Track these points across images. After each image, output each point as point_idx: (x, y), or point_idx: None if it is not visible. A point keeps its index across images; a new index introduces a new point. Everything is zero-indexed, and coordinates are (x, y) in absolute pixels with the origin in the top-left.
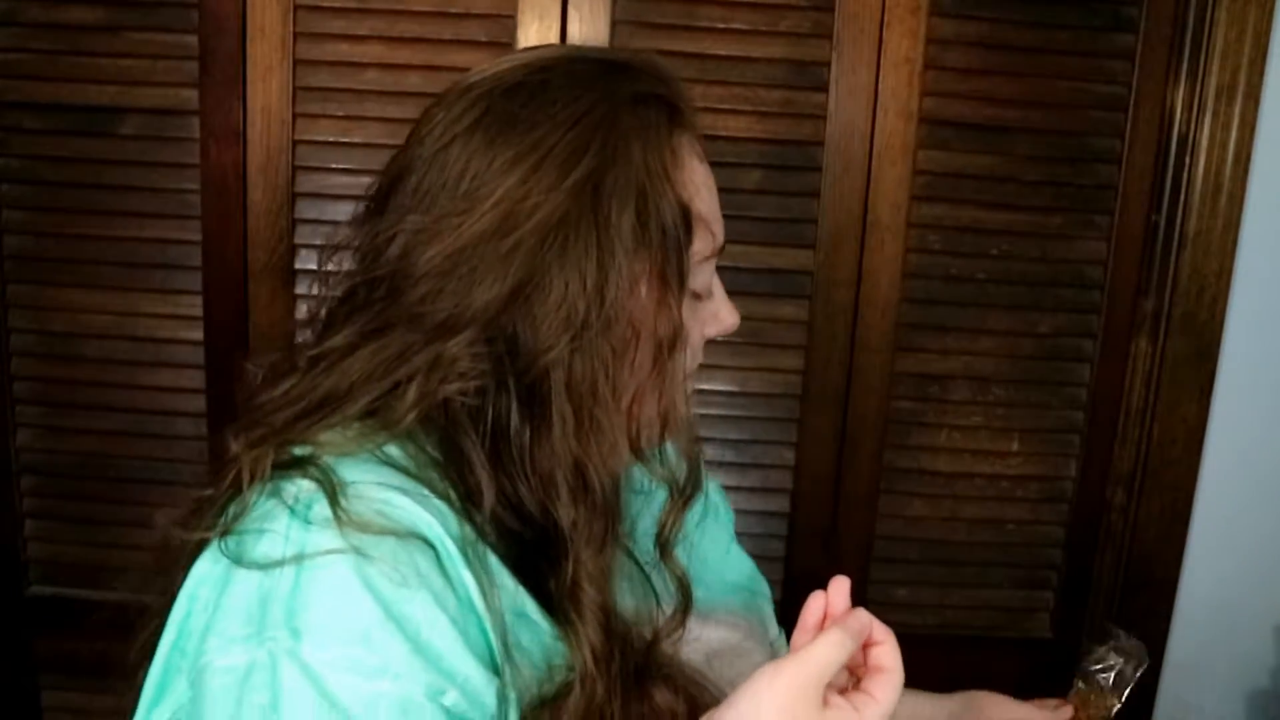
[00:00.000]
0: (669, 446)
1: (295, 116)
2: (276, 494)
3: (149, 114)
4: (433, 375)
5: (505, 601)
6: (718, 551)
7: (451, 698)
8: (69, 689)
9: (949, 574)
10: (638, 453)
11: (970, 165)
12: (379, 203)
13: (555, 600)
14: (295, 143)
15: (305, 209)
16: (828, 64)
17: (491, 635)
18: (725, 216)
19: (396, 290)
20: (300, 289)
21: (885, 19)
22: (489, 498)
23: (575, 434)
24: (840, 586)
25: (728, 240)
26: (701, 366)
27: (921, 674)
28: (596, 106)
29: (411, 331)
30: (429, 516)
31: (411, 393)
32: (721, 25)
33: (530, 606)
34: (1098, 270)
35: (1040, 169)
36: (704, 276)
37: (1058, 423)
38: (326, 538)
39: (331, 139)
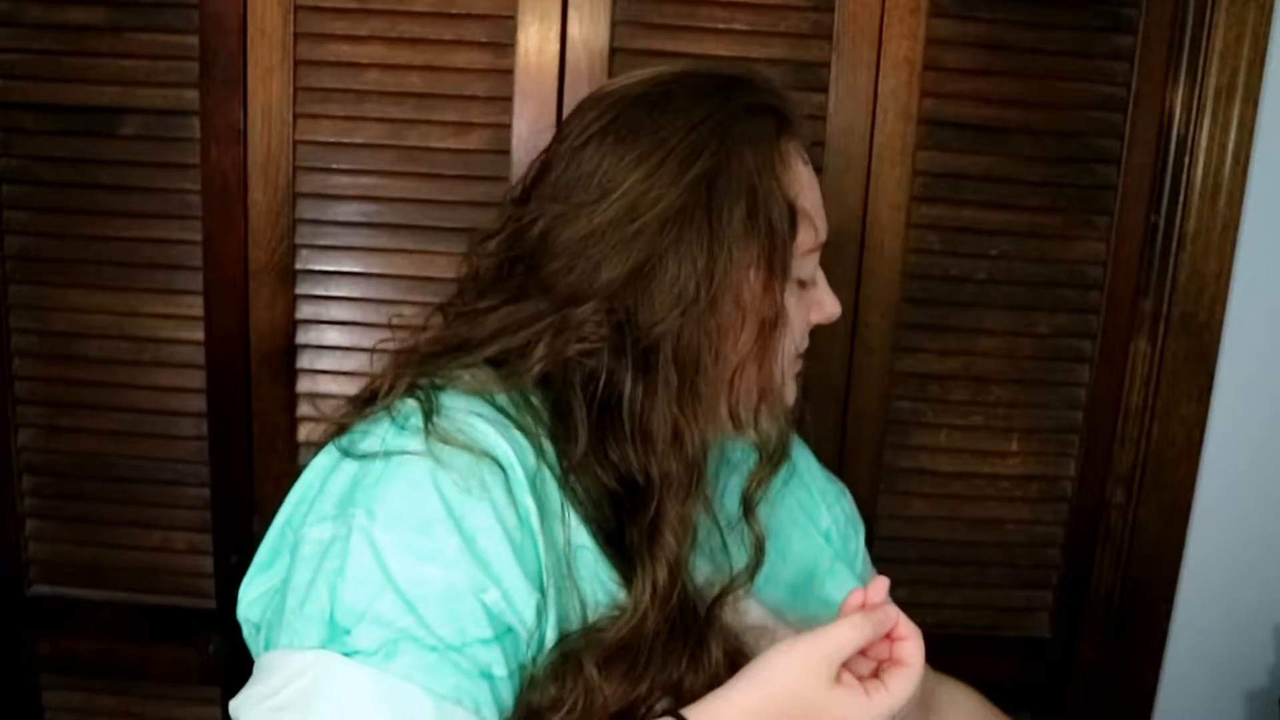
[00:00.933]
0: (764, 416)
1: (296, 117)
2: (389, 408)
3: (149, 114)
4: (560, 336)
5: (567, 535)
6: (802, 540)
7: (492, 596)
8: (69, 689)
9: (949, 574)
10: (735, 419)
11: (970, 166)
12: (524, 192)
13: (630, 545)
14: (296, 143)
15: (306, 209)
16: (827, 64)
17: (542, 557)
18: None
19: (535, 266)
20: (301, 289)
21: (885, 19)
22: (581, 446)
23: (678, 397)
24: (879, 585)
25: None
26: None
27: None
28: (713, 114)
29: (544, 299)
30: (505, 445)
31: (540, 349)
32: (721, 26)
33: (593, 545)
34: (1097, 270)
35: (1040, 169)
36: (808, 267)
37: (1057, 423)
38: (413, 442)
39: (332, 139)
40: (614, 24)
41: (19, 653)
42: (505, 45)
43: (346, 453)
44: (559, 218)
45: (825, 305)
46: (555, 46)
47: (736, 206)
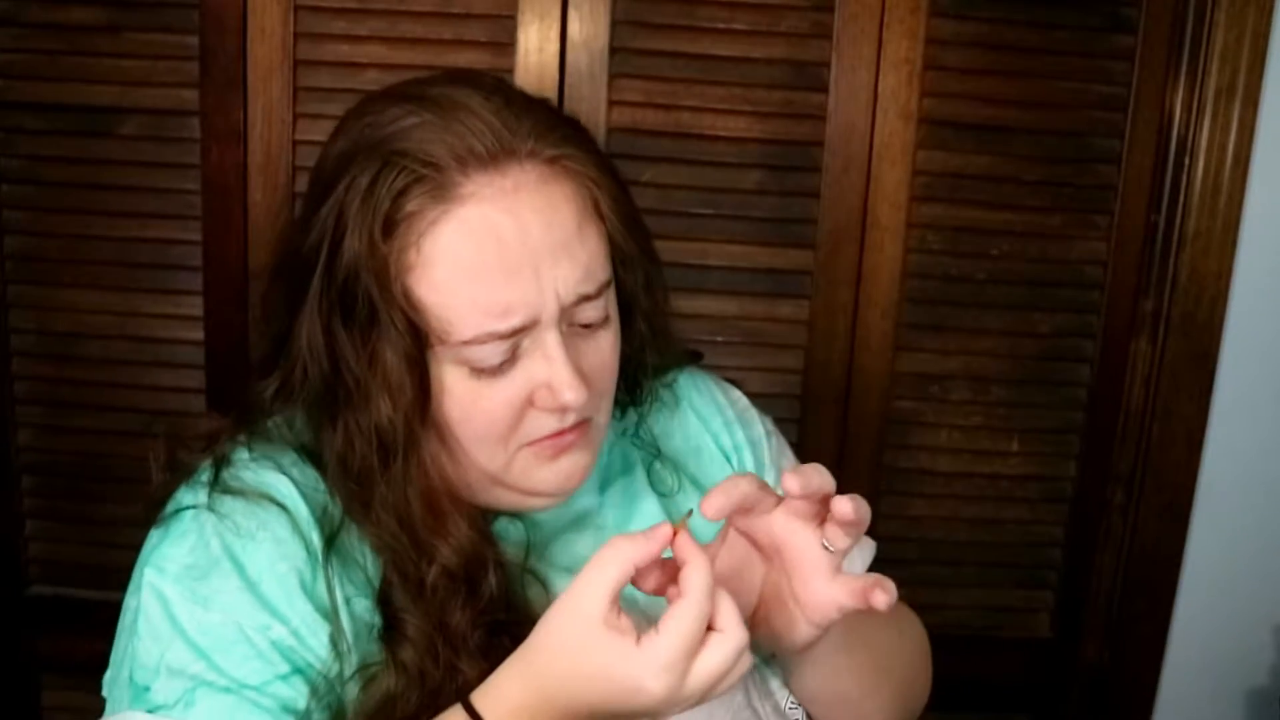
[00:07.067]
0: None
1: (296, 117)
2: (191, 470)
3: (150, 114)
4: (274, 402)
5: (359, 579)
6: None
7: (278, 632)
8: (69, 689)
9: (949, 574)
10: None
11: (970, 165)
12: None
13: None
14: (296, 143)
15: None
16: (828, 64)
17: (333, 590)
18: (725, 217)
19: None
20: None
21: (885, 19)
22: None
23: (347, 506)
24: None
25: (727, 241)
26: (703, 367)
27: None
28: (350, 160)
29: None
30: (288, 486)
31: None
32: (721, 25)
33: (366, 597)
34: (1097, 270)
35: (1040, 169)
36: (483, 353)
37: (1057, 423)
38: (193, 497)
39: None
40: (614, 24)
41: (19, 653)
42: (505, 45)
43: (158, 522)
44: None
45: (557, 389)
46: (555, 46)
47: (347, 275)
